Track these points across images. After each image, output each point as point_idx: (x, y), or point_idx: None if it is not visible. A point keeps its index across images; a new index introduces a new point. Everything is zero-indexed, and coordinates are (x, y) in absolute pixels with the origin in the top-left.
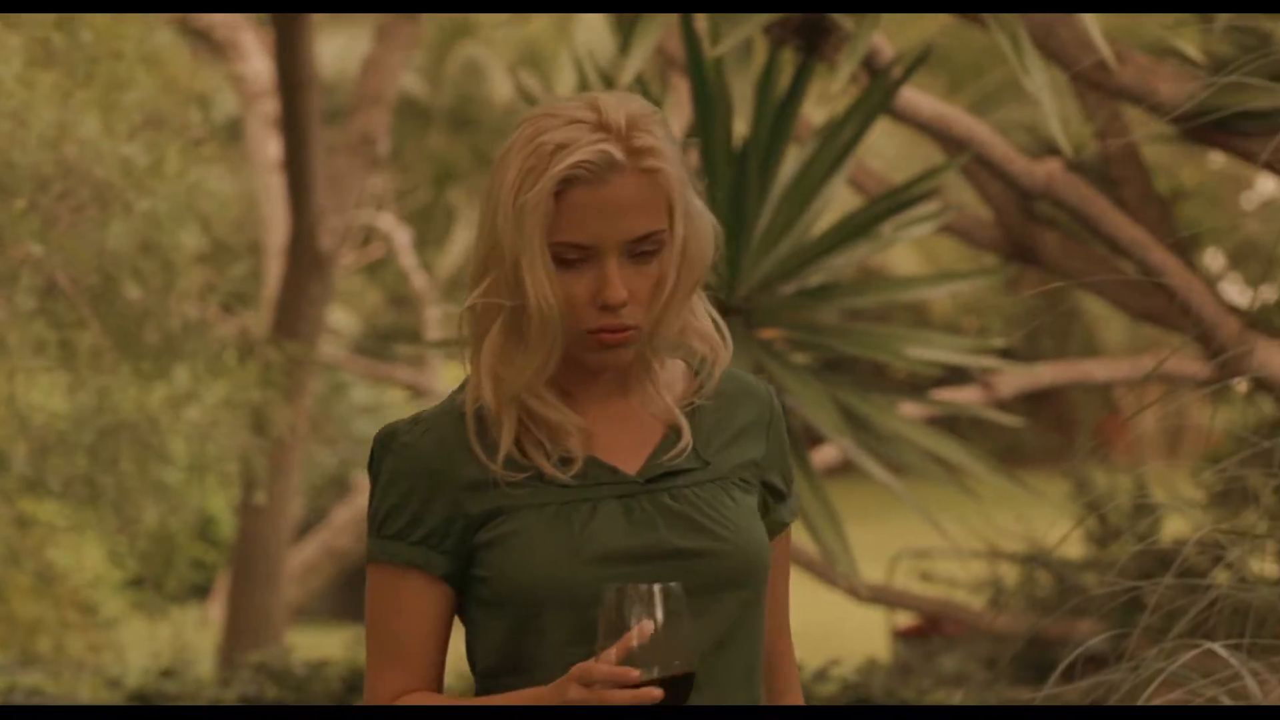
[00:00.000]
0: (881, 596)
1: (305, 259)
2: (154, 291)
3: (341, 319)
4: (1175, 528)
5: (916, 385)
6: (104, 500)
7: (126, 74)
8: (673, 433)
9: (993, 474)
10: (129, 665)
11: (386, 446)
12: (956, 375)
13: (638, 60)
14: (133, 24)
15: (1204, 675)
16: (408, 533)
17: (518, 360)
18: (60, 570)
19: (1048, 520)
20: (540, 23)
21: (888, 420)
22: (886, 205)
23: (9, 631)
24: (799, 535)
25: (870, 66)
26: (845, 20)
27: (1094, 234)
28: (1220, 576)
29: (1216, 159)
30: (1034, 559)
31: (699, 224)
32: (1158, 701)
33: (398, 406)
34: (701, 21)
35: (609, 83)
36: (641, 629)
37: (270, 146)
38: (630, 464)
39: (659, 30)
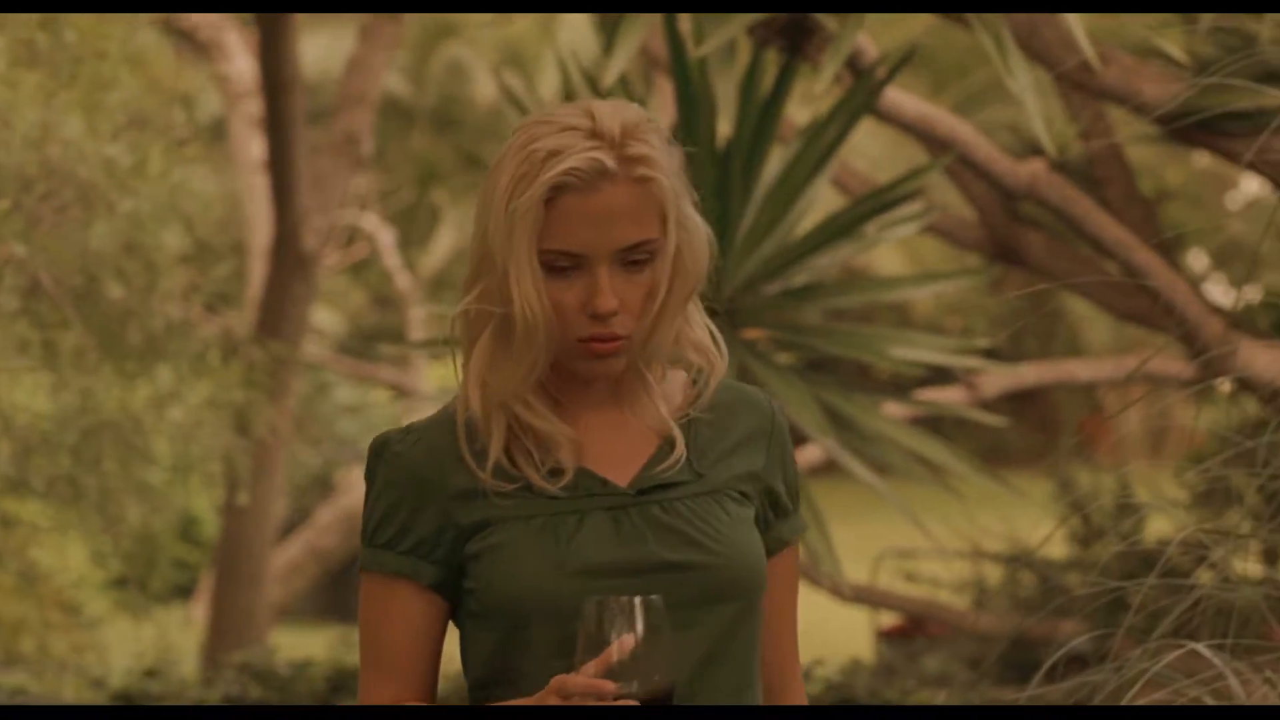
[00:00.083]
0: (865, 596)
1: (289, 259)
2: (137, 292)
3: (325, 319)
4: (1159, 528)
5: (900, 385)
6: (87, 500)
7: (110, 74)
8: (666, 444)
9: (976, 474)
10: (112, 665)
11: (379, 455)
12: (940, 375)
13: (621, 61)
14: (116, 24)
15: (1187, 675)
16: (397, 542)
17: (504, 368)
18: (44, 570)
19: (1031, 520)
20: (524, 23)
21: (871, 420)
22: (870, 205)
23: None
24: None
25: (854, 67)
26: (829, 21)
27: (1078, 234)
28: (1204, 577)
29: (1201, 159)
30: (1017, 559)
31: (693, 234)
32: (1141, 702)
33: (381, 406)
34: (685, 22)
35: (593, 83)
36: (621, 644)
37: (254, 146)
38: (622, 475)
39: (643, 31)
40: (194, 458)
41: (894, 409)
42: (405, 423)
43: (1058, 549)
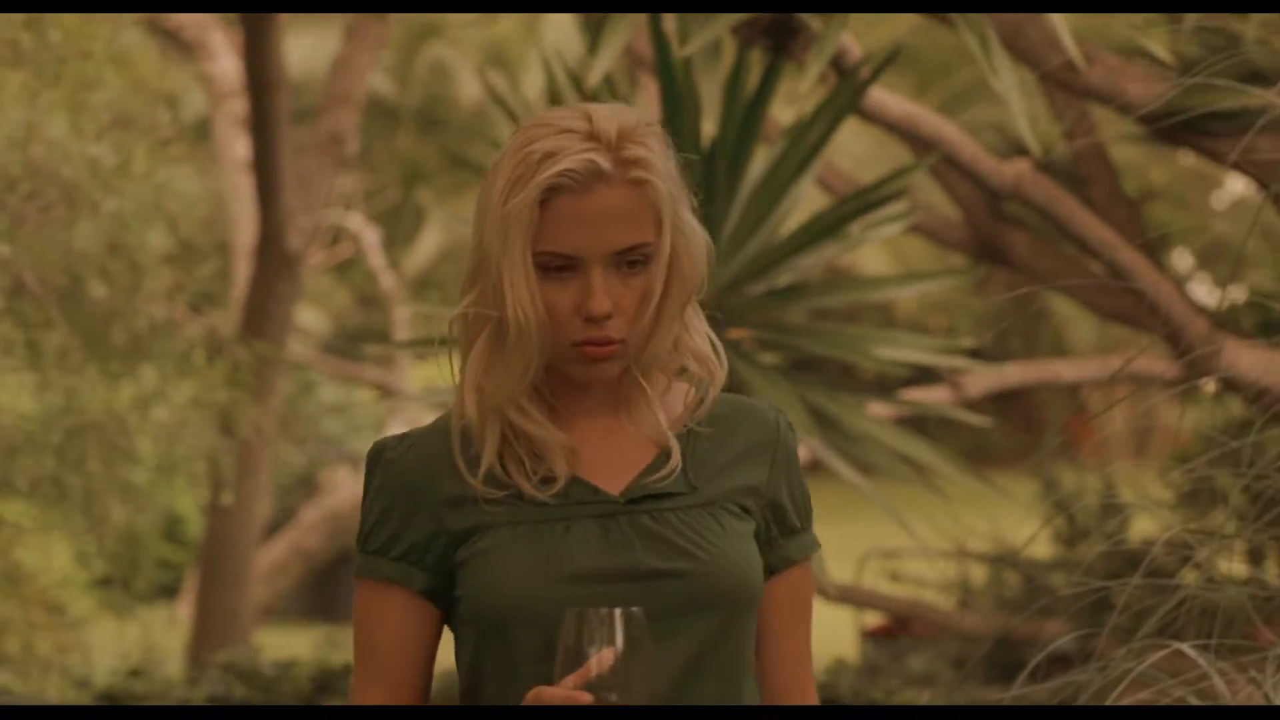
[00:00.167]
0: (850, 596)
1: (274, 258)
2: (121, 292)
3: (310, 318)
4: (1143, 528)
5: (885, 385)
6: (71, 500)
7: (95, 74)
8: (663, 454)
9: (961, 474)
10: (97, 665)
11: (375, 462)
12: (925, 375)
13: (606, 60)
14: (101, 24)
15: (1172, 675)
16: (389, 548)
17: (499, 372)
18: (28, 570)
19: (1016, 520)
20: (508, 23)
21: (856, 420)
22: (855, 205)
23: None
24: None
25: (838, 66)
26: (813, 20)
27: (1063, 234)
28: (1188, 576)
29: (1186, 158)
30: (1002, 559)
31: (690, 239)
32: (1126, 701)
33: (366, 406)
34: (670, 22)
35: (577, 83)
36: (601, 657)
37: (239, 146)
38: (614, 484)
39: (627, 30)
40: (178, 457)
41: (879, 409)
42: (390, 423)
43: (1042, 549)
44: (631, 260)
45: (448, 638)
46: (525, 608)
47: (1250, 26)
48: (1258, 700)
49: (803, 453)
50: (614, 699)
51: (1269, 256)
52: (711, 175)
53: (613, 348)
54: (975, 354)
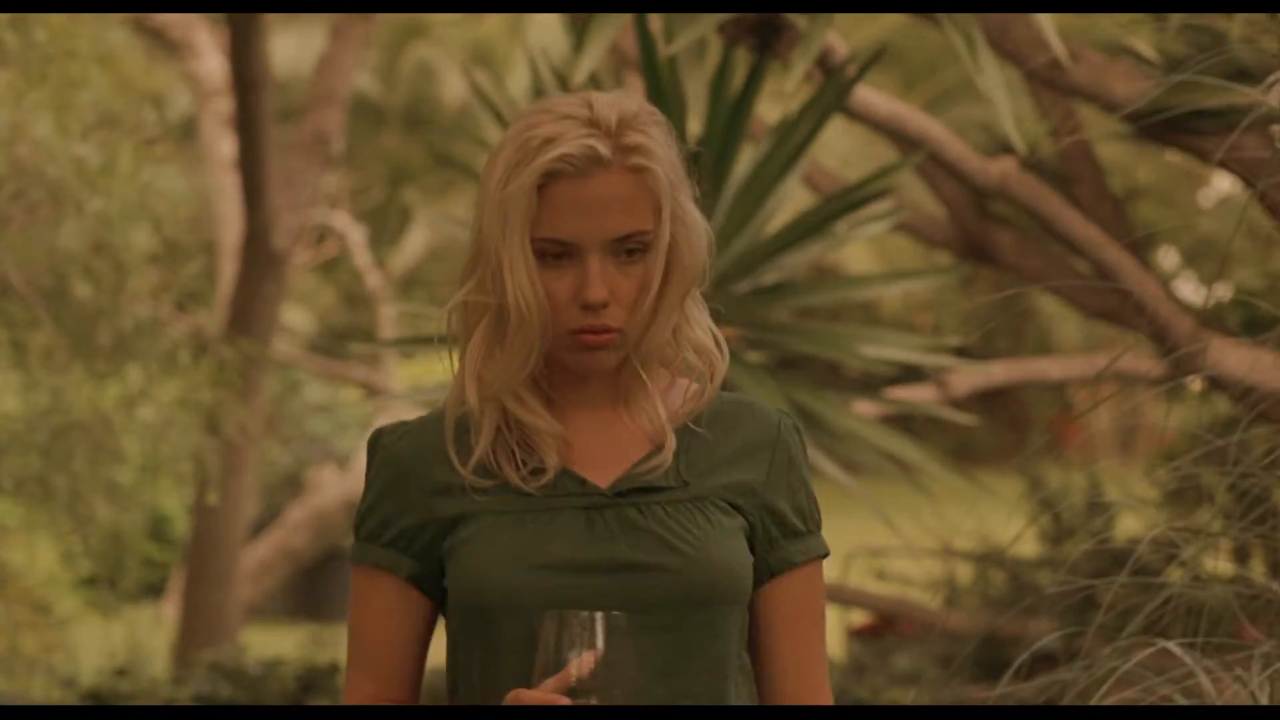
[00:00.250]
0: (835, 595)
1: (259, 257)
2: (106, 291)
3: (296, 317)
4: (1129, 526)
5: (870, 384)
6: (57, 500)
7: (80, 73)
8: (656, 448)
9: (947, 472)
10: (83, 664)
11: (372, 449)
12: (910, 374)
13: (592, 59)
14: (87, 23)
15: (1158, 673)
16: (379, 534)
17: (499, 360)
18: (13, 570)
19: (1002, 518)
20: (493, 22)
21: (842, 419)
22: (841, 204)
23: None
24: None
25: (824, 65)
26: (799, 19)
27: (1048, 232)
28: (1174, 575)
29: (1172, 156)
30: (988, 557)
31: (691, 229)
32: (1111, 700)
33: (352, 405)
34: (656, 21)
35: (563, 81)
36: (581, 661)
37: (224, 145)
38: (604, 477)
39: (613, 29)
40: (164, 457)
41: (864, 407)
42: (376, 422)
43: (1028, 547)
44: (630, 248)
45: (440, 634)
46: (505, 597)
47: (1236, 25)
48: (1243, 698)
49: None
50: (594, 702)
51: (1255, 254)
52: (697, 174)
53: (609, 336)
54: (961, 352)
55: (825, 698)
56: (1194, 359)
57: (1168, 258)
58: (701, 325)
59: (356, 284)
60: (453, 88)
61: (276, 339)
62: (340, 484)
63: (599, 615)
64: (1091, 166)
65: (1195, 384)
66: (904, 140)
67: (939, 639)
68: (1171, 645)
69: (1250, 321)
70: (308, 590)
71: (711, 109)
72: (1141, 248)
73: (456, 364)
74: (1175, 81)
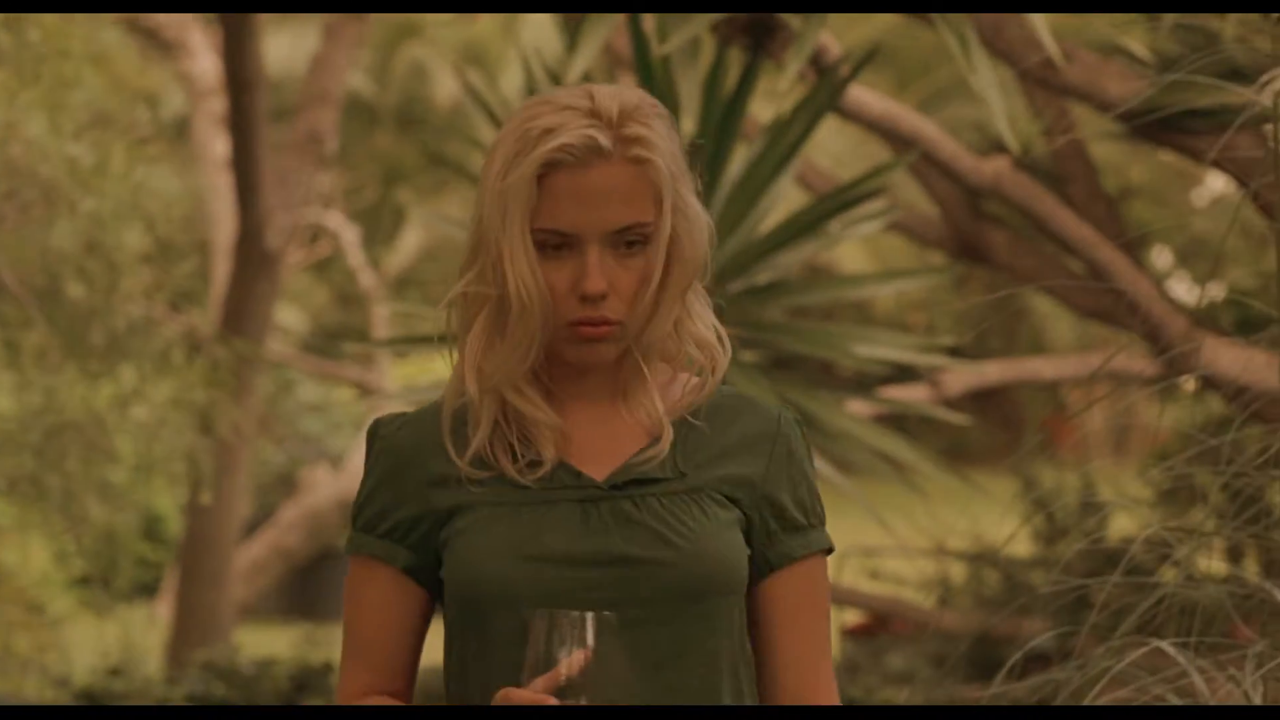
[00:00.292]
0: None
1: (253, 257)
2: (99, 291)
3: (289, 317)
4: (1123, 526)
5: (864, 383)
6: (50, 500)
7: (73, 73)
8: (653, 441)
9: (940, 472)
10: (76, 664)
11: (371, 440)
12: (904, 373)
13: (585, 59)
14: (80, 23)
15: (1151, 673)
16: (376, 525)
17: (500, 352)
18: (7, 569)
19: (995, 518)
20: (486, 22)
21: (835, 418)
22: (834, 203)
23: None
24: None
25: (817, 65)
26: (792, 19)
27: (1041, 232)
28: (1167, 574)
29: (1166, 156)
30: (981, 557)
31: (692, 222)
32: (1105, 699)
33: (345, 405)
34: (649, 20)
35: (556, 81)
36: (571, 661)
37: (218, 144)
38: (601, 470)
39: (606, 29)
40: (157, 457)
41: (858, 407)
42: (370, 421)
43: (1022, 547)
44: (630, 240)
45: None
46: (498, 589)
47: (1229, 24)
48: (1237, 698)
49: None
50: (583, 702)
51: (1248, 254)
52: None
53: (608, 328)
54: (954, 352)
55: (828, 692)
56: (1187, 359)
57: (1161, 257)
58: (703, 319)
59: (350, 283)
60: (445, 88)
61: (270, 338)
62: (333, 483)
63: (589, 615)
64: (1085, 166)
65: (1189, 384)
66: (897, 140)
67: (932, 638)
68: (1165, 645)
69: (1243, 321)
70: (301, 590)
71: (705, 108)
72: (1135, 247)
73: (456, 356)
74: (1168, 81)
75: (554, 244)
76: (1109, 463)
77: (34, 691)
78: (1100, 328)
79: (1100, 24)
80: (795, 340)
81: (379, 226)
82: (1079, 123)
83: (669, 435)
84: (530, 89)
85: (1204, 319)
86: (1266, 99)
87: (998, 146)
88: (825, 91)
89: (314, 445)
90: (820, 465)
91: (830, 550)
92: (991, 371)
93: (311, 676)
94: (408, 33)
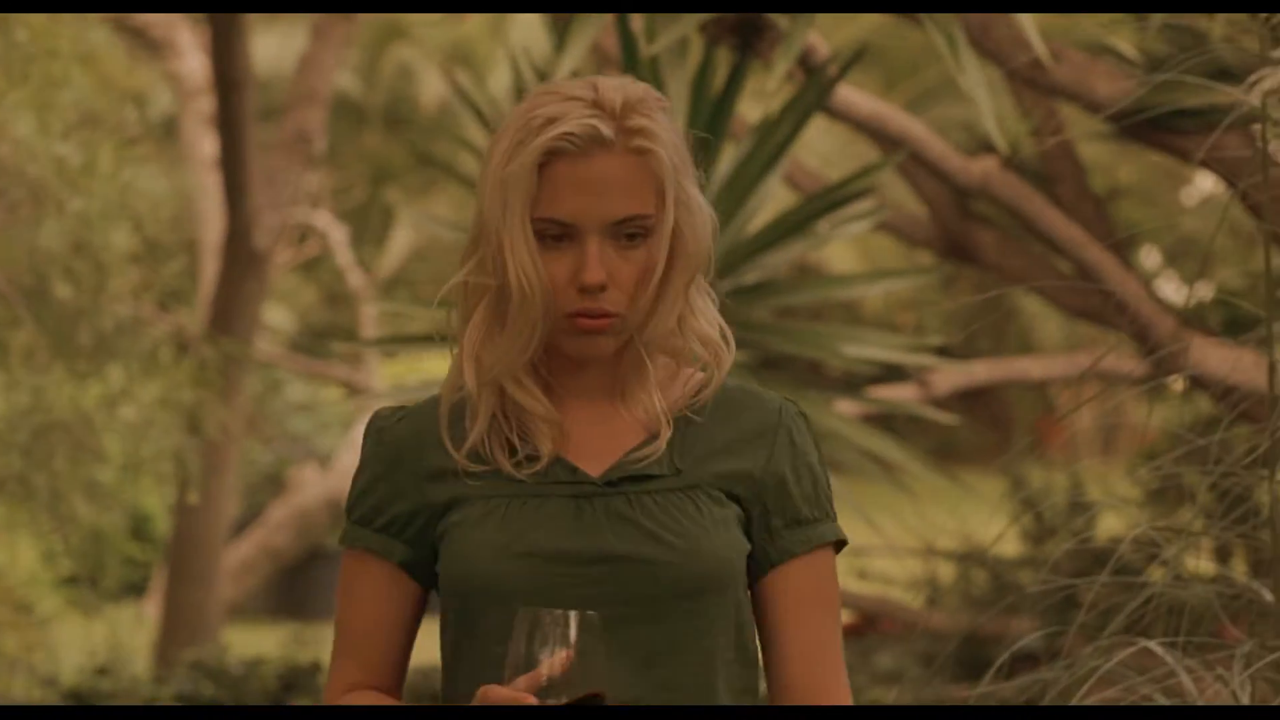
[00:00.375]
0: None
1: (241, 256)
2: (87, 291)
3: (277, 317)
4: (1111, 525)
5: (852, 383)
6: (38, 499)
7: (61, 73)
8: (651, 438)
9: (929, 472)
10: (64, 663)
11: (368, 432)
12: (892, 373)
13: (573, 59)
14: (68, 23)
15: (1139, 673)
16: (371, 518)
17: (500, 342)
18: None
19: (984, 518)
20: (474, 22)
21: (823, 418)
22: (822, 203)
23: None
24: None
25: (805, 64)
26: (780, 19)
27: (1030, 232)
28: (1156, 574)
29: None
30: (970, 557)
31: (695, 215)
32: (1092, 699)
33: (334, 404)
34: (637, 20)
35: (544, 81)
36: (553, 661)
37: (206, 144)
38: (596, 466)
39: (594, 29)
40: (145, 456)
41: (846, 406)
42: (357, 421)
43: (1010, 547)
44: (630, 232)
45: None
46: (488, 584)
47: (1217, 24)
48: (1225, 698)
49: None
50: (564, 701)
51: (1236, 254)
52: None
53: (607, 321)
54: (942, 351)
55: (836, 687)
56: (1175, 358)
57: (1149, 257)
58: (707, 316)
59: (338, 283)
60: (430, 88)
61: (258, 338)
62: (322, 483)
63: (573, 614)
64: (1073, 166)
65: (1177, 383)
66: (885, 140)
67: (921, 638)
68: (1153, 645)
69: (1232, 321)
70: (289, 589)
71: (693, 108)
72: (1123, 247)
73: (453, 348)
74: (1157, 81)
75: (554, 234)
76: (1097, 462)
77: (21, 691)
78: (1088, 328)
79: (1088, 24)
80: (783, 340)
81: (367, 226)
82: (1067, 123)
83: (667, 433)
84: (518, 89)
85: (1192, 319)
86: (1255, 99)
87: (986, 146)
88: (813, 91)
89: (302, 445)
90: None
91: (841, 543)
92: (980, 371)
93: (300, 676)
94: (395, 34)
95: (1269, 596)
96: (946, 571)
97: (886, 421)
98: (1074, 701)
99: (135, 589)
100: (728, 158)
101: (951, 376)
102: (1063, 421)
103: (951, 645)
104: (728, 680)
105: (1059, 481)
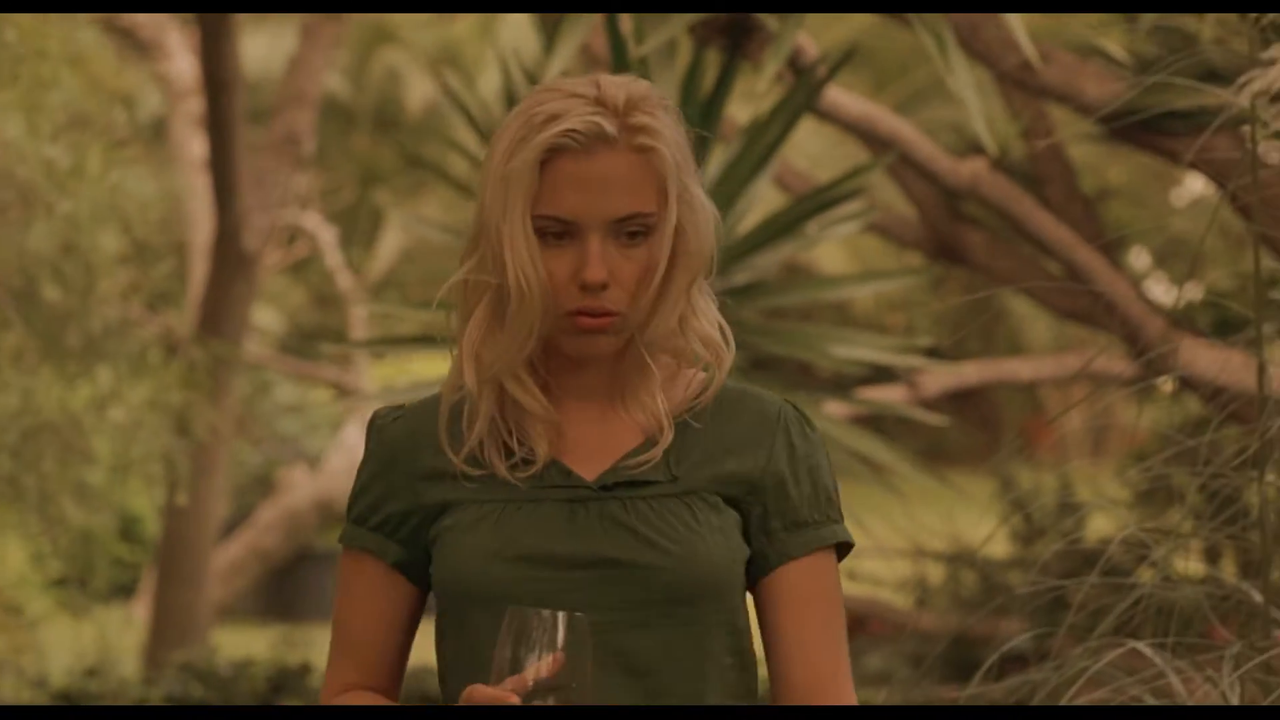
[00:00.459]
0: None
1: (230, 258)
2: (76, 293)
3: (266, 318)
4: (1100, 526)
5: (841, 384)
6: (27, 501)
7: (50, 74)
8: (648, 440)
9: (918, 473)
10: (53, 665)
11: (368, 430)
12: (881, 374)
13: (562, 60)
14: (57, 24)
15: (1128, 674)
16: (367, 518)
17: (499, 340)
18: None
19: (973, 519)
20: (464, 24)
21: (813, 419)
22: (812, 204)
23: None
24: None
25: (795, 66)
26: (769, 20)
27: (1019, 233)
28: (1145, 575)
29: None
30: (959, 558)
31: (698, 214)
32: (1082, 700)
33: (323, 406)
34: (626, 21)
35: (534, 82)
36: (539, 665)
37: (195, 145)
38: (592, 469)
39: (584, 30)
40: (134, 458)
41: (835, 407)
42: (347, 423)
43: (999, 548)
44: (632, 230)
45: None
46: (481, 587)
47: (1207, 26)
48: (1214, 699)
49: None
50: (551, 702)
51: (1226, 255)
52: None
53: (607, 320)
54: (932, 353)
55: (838, 689)
56: (1165, 360)
57: (1139, 258)
58: (708, 317)
59: (327, 285)
60: (417, 91)
61: (247, 340)
62: (311, 484)
63: (560, 615)
64: (1062, 167)
65: (1166, 385)
66: (875, 141)
67: (910, 639)
68: (1142, 646)
69: (1221, 322)
70: (278, 590)
71: (682, 110)
72: (1113, 248)
73: (453, 347)
74: (1146, 83)
75: (555, 232)
76: (1087, 463)
77: (10, 692)
78: (1078, 329)
79: (1077, 25)
80: (773, 341)
81: (356, 228)
82: (1057, 124)
83: (667, 439)
84: (508, 91)
85: (1182, 320)
86: (1244, 100)
87: (975, 148)
88: (803, 92)
89: (291, 446)
90: None
91: (845, 545)
92: (969, 372)
93: (289, 677)
94: (383, 37)
95: (1258, 598)
96: (936, 573)
97: (876, 423)
98: (1063, 702)
99: (124, 590)
100: (717, 159)
101: (941, 378)
102: (1052, 423)
103: (941, 646)
104: (724, 686)
105: (1048, 483)
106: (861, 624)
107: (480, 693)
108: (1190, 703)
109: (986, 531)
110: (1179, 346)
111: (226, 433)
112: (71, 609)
